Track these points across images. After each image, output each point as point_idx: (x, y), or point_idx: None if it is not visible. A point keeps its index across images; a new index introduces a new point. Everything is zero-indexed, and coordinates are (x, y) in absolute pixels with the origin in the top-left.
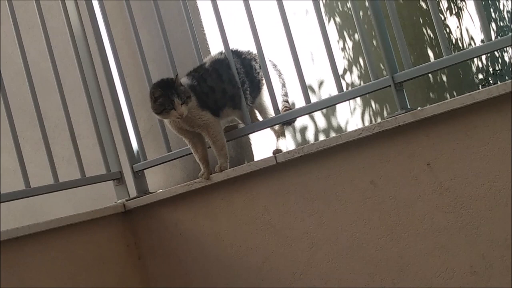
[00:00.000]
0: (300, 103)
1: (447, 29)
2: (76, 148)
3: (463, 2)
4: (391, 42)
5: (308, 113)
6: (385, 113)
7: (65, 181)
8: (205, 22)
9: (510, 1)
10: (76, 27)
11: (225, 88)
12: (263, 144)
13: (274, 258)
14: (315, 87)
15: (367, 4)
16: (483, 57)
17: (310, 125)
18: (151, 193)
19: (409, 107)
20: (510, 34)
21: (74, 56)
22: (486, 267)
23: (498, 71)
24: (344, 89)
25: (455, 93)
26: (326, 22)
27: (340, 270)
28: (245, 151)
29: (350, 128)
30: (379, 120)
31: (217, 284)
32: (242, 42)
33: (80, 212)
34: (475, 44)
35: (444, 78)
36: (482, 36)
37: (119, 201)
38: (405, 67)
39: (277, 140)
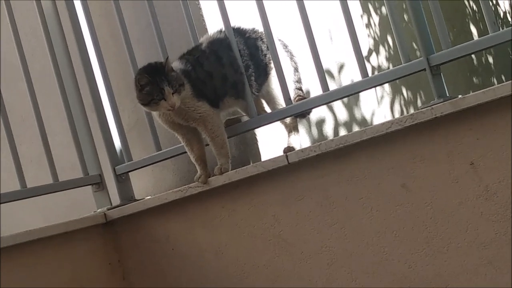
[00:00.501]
0: (316, 91)
1: (493, 0)
2: (47, 147)
3: None
4: (426, 16)
5: (326, 103)
6: (419, 102)
7: (34, 187)
8: None
9: None
10: (47, 7)
11: (226, 74)
12: (272, 141)
13: (285, 278)
14: (334, 71)
15: None
16: None
17: (329, 118)
18: (138, 200)
19: (448, 95)
20: None
21: (44, 35)
22: None
23: None
24: (370, 74)
25: (503, 78)
26: None
27: None
28: (250, 149)
29: (377, 120)
30: (411, 111)
31: None
32: (246, 19)
33: (52, 224)
34: None
35: (491, 60)
36: None
37: (99, 210)
38: (442, 46)
39: (289, 136)
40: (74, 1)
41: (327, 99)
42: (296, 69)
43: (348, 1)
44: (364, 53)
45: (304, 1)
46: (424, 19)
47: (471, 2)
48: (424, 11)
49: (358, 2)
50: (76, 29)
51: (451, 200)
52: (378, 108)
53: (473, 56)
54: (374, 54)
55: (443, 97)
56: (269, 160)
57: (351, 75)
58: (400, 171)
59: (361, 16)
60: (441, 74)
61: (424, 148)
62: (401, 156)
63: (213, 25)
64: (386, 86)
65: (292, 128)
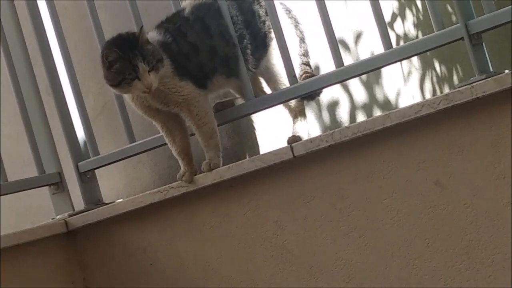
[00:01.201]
0: (327, 66)
1: None
2: None
3: None
4: None
5: (340, 81)
6: (455, 79)
7: None
8: None
9: None
10: None
11: (215, 46)
12: (273, 129)
13: None
14: (350, 41)
15: None
16: None
17: (343, 99)
18: (107, 204)
19: (491, 70)
20: None
21: None
22: None
23: None
24: (394, 45)
25: None
26: None
27: None
28: (246, 139)
29: (403, 102)
30: (446, 90)
31: None
32: None
33: (1, 234)
34: None
35: None
36: None
37: (58, 217)
38: (484, 10)
39: (294, 123)
40: None
41: (341, 76)
42: (302, 40)
43: None
44: (387, 18)
45: None
46: None
47: None
48: None
49: None
50: None
51: (496, 201)
52: (405, 86)
53: None
54: (398, 19)
55: (485, 73)
56: (270, 153)
57: (371, 45)
58: (433, 165)
59: None
60: (483, 44)
61: (462, 137)
62: (434, 146)
63: None
64: (415, 59)
65: (298, 113)
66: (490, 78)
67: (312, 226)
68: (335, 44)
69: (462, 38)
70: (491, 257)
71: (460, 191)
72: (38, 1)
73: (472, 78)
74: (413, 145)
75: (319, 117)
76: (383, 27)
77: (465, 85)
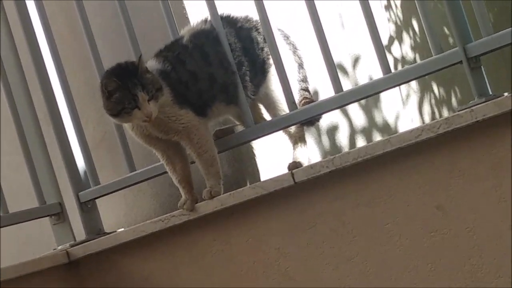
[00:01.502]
0: (326, 91)
1: None
2: None
3: None
4: None
5: (340, 107)
6: (454, 101)
7: None
8: None
9: None
10: None
11: (214, 74)
12: (273, 156)
13: None
14: (348, 65)
15: None
16: None
17: (343, 124)
18: (108, 233)
19: (490, 93)
20: None
21: None
22: None
23: None
24: (392, 68)
25: None
26: None
27: None
28: (247, 166)
29: (403, 126)
30: (445, 113)
31: None
32: (237, 5)
33: (2, 266)
34: None
35: None
36: None
37: (60, 248)
38: (482, 33)
39: (294, 149)
40: None
41: (340, 101)
42: (300, 65)
43: None
44: (384, 41)
45: None
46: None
47: None
48: None
49: None
50: (25, 20)
51: (498, 224)
52: (404, 109)
53: None
54: (396, 42)
55: (485, 96)
56: (271, 179)
57: (369, 68)
58: (434, 190)
59: None
60: (482, 67)
61: (463, 160)
62: (435, 170)
63: (197, 13)
64: (413, 82)
65: (298, 139)
66: (489, 102)
67: (314, 252)
68: (333, 70)
69: (460, 62)
70: (494, 281)
71: (462, 215)
72: (36, 30)
73: (471, 102)
74: (413, 169)
75: (319, 142)
76: (381, 51)
77: (465, 109)
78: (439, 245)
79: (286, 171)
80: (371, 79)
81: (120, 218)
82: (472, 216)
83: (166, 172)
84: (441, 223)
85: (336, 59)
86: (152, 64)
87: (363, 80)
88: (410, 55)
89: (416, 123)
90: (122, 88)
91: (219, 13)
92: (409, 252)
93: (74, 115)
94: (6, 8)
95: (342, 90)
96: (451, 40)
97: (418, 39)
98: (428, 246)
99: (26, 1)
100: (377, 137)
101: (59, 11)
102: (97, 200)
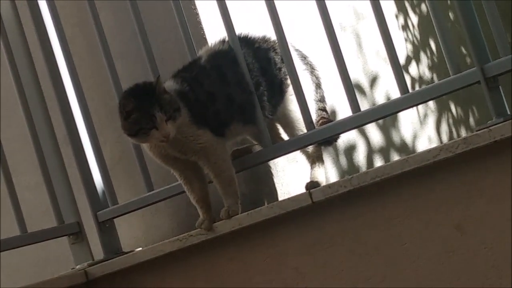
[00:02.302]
0: (344, 111)
1: None
2: (12, 190)
3: None
4: (477, 14)
5: (357, 127)
6: (471, 121)
7: None
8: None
9: None
10: (6, 8)
11: (232, 94)
12: (291, 175)
13: None
14: (365, 85)
15: None
16: None
17: (360, 143)
18: (126, 253)
19: (509, 112)
20: None
21: (5, 51)
22: None
23: None
24: (410, 89)
25: None
26: None
27: None
28: (264, 186)
29: (421, 146)
30: (463, 131)
31: None
32: (254, 25)
33: (19, 287)
34: None
35: None
36: None
37: (78, 267)
38: (500, 53)
39: (312, 169)
40: (40, 5)
41: (358, 121)
42: (318, 85)
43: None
44: (402, 61)
45: (326, 1)
46: (476, 19)
47: None
48: (474, 8)
49: (392, 0)
50: (44, 42)
51: None
52: (421, 129)
53: None
54: (413, 62)
55: (503, 116)
56: (289, 199)
57: (387, 88)
58: (453, 210)
59: (396, 16)
60: (500, 87)
61: (481, 180)
62: (453, 190)
63: (214, 34)
64: (431, 101)
65: (315, 159)
66: (507, 121)
67: (332, 272)
68: (351, 90)
69: (478, 82)
70: None
71: (480, 234)
72: (55, 52)
73: (489, 122)
74: (432, 189)
75: (337, 161)
76: (399, 71)
77: (483, 129)
78: (457, 265)
79: (303, 190)
80: (388, 98)
81: (138, 237)
82: (490, 236)
83: (184, 192)
84: (460, 243)
85: (354, 78)
86: (170, 84)
87: (380, 100)
88: (427, 74)
89: (434, 142)
90: (139, 108)
91: (237, 34)
92: (427, 272)
93: (92, 135)
94: (25, 30)
95: (359, 110)
96: (468, 59)
97: (435, 59)
98: (446, 266)
99: (46, 23)
100: (395, 156)
101: (78, 33)
102: (115, 220)
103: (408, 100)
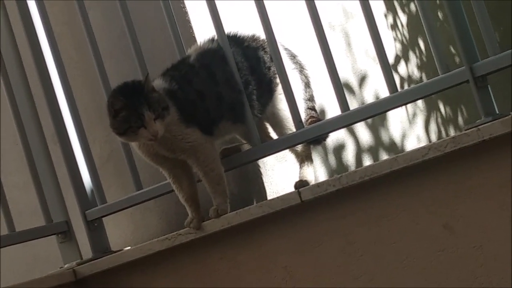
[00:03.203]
0: (333, 110)
1: None
2: (0, 189)
3: None
4: (466, 14)
5: (346, 126)
6: (460, 120)
7: None
8: None
9: None
10: None
11: (221, 93)
12: (280, 174)
13: None
14: (354, 84)
15: None
16: None
17: (349, 142)
18: (115, 252)
19: (497, 112)
20: None
21: None
22: None
23: None
24: (398, 88)
25: None
26: None
27: None
28: (253, 185)
29: (410, 145)
30: (451, 131)
31: None
32: (243, 24)
33: (8, 286)
34: None
35: None
36: None
37: (66, 266)
38: (489, 52)
39: (301, 168)
40: (29, 3)
41: (347, 120)
42: (307, 85)
43: None
44: (391, 60)
45: (315, 0)
46: (465, 19)
47: None
48: (463, 7)
49: None
50: (33, 41)
51: (506, 243)
52: (410, 128)
53: None
54: (402, 61)
55: (491, 115)
56: (278, 198)
57: (376, 87)
58: (442, 208)
59: (385, 16)
60: (488, 86)
61: (470, 179)
62: (442, 189)
63: (203, 32)
64: (419, 101)
65: (304, 158)
66: (496, 121)
67: (321, 271)
68: (340, 89)
69: (467, 81)
70: None
71: (469, 233)
72: (43, 50)
73: (478, 121)
74: (420, 188)
75: (326, 160)
76: (388, 70)
77: (472, 128)
78: (446, 264)
79: (292, 189)
80: (377, 98)
81: (127, 236)
82: (479, 235)
83: (173, 191)
84: (449, 242)
85: (343, 78)
86: (158, 83)
87: (369, 99)
88: (416, 74)
89: (422, 142)
90: (128, 107)
91: (226, 32)
92: (416, 271)
93: (81, 134)
94: (14, 29)
95: (348, 109)
96: (457, 59)
97: (424, 58)
98: (435, 265)
99: (34, 21)
100: (384, 156)
101: (66, 32)
102: (104, 219)
103: (397, 99)
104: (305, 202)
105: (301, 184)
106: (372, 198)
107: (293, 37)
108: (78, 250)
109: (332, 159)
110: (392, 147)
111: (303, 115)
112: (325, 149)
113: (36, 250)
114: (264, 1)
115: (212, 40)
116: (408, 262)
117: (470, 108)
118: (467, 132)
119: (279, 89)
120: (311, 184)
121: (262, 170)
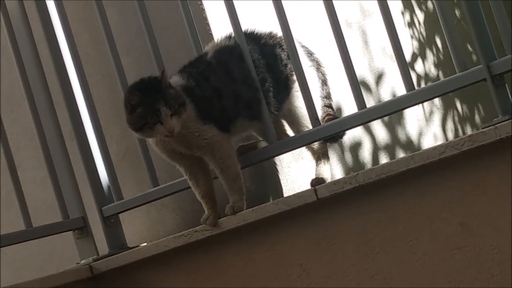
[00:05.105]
0: (350, 108)
1: None
2: (18, 185)
3: None
4: (484, 12)
5: (363, 123)
6: (477, 118)
7: (2, 235)
8: None
9: None
10: (12, 4)
11: (238, 90)
12: (297, 172)
13: None
14: (371, 82)
15: None
16: None
17: (366, 140)
18: (131, 248)
19: None
20: None
21: (9, 43)
22: None
23: None
24: (415, 86)
25: None
26: None
27: None
28: (270, 182)
29: (427, 143)
30: (468, 129)
31: None
32: (260, 21)
33: (25, 281)
34: None
35: None
36: None
37: (83, 262)
38: (506, 50)
39: (317, 165)
40: (47, 1)
41: (363, 118)
42: (324, 82)
43: None
44: (408, 58)
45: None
46: (482, 17)
47: None
48: (481, 6)
49: None
50: (50, 38)
51: None
52: (427, 126)
53: None
54: (419, 59)
55: (509, 113)
56: (294, 195)
57: (392, 84)
58: (458, 207)
59: (402, 13)
60: (506, 84)
61: (487, 177)
62: (459, 188)
63: (220, 29)
64: (436, 99)
65: (321, 155)
66: None
67: (337, 269)
68: (357, 87)
69: (484, 79)
70: None
71: (485, 232)
72: (61, 48)
73: (495, 119)
74: (437, 186)
75: (342, 158)
76: (405, 68)
77: (489, 126)
78: (462, 263)
79: (309, 187)
80: (394, 95)
81: (143, 233)
82: (496, 234)
83: (189, 187)
84: (465, 241)
85: (360, 75)
86: (176, 79)
87: (386, 97)
88: (433, 72)
89: (439, 140)
90: (144, 102)
91: (243, 30)
92: (432, 270)
93: (98, 130)
94: (32, 26)
95: (365, 107)
96: (474, 57)
97: (441, 56)
98: (451, 264)
99: (52, 19)
100: (400, 153)
101: (84, 30)
102: (120, 215)
103: (413, 97)
104: (321, 200)
105: (317, 181)
106: (388, 196)
107: (310, 35)
108: (95, 246)
109: (348, 156)
110: (409, 145)
111: (319, 113)
112: (341, 146)
113: (53, 245)
114: None
115: (229, 37)
116: (425, 261)
117: (487, 106)
118: (484, 130)
119: (296, 86)
120: (327, 181)
121: (279, 168)
